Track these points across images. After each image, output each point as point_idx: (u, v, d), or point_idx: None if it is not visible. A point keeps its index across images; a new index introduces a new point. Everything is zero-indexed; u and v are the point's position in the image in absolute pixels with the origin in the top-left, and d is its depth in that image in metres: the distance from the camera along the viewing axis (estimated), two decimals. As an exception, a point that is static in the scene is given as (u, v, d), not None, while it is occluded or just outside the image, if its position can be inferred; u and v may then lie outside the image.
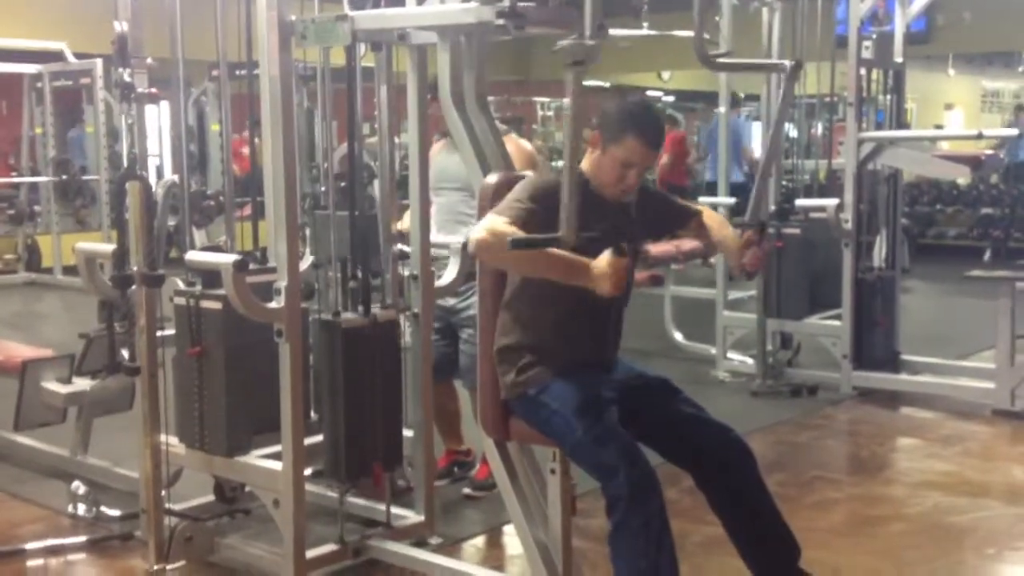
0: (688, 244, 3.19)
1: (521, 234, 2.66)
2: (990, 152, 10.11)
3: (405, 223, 3.90)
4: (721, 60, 3.26)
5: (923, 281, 9.98)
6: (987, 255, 11.49)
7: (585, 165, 2.97)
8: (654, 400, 2.99)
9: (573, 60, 2.50)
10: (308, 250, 4.10)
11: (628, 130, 2.86)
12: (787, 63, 3.05)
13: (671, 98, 18.47)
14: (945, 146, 11.68)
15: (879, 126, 6.44)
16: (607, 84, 17.89)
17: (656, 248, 6.13)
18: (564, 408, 2.82)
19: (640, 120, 2.89)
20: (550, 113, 16.42)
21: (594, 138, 2.95)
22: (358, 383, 3.50)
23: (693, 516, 3.47)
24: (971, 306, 7.74)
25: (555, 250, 2.66)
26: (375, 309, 3.61)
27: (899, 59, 6.23)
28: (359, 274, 3.60)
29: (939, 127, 18.73)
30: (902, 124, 6.52)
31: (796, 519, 3.11)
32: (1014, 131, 11.55)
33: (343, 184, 3.85)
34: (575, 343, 2.95)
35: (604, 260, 2.67)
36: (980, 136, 6.94)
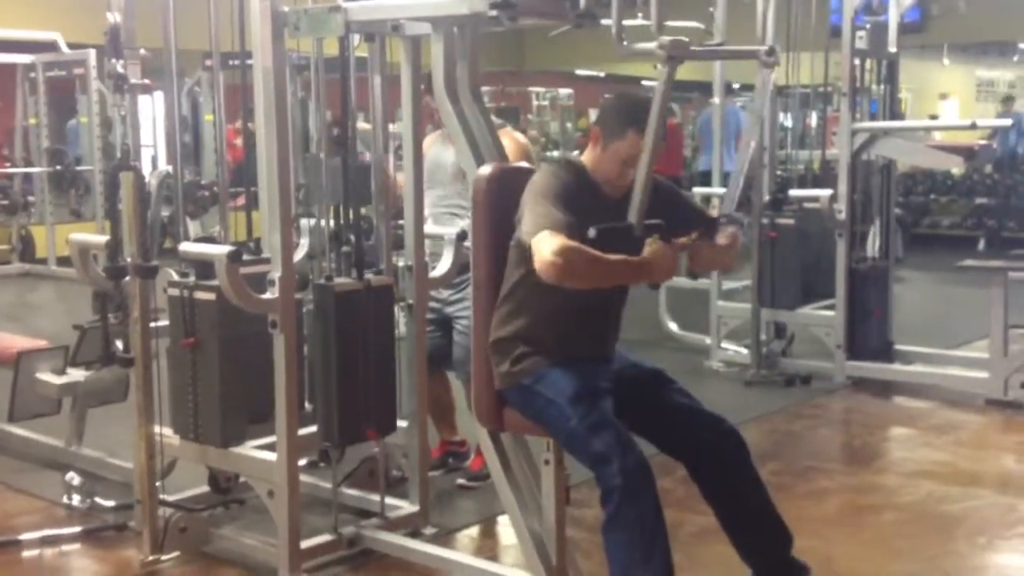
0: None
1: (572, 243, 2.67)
2: (983, 142, 10.11)
3: (401, 179, 3.89)
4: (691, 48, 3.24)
5: (917, 271, 9.99)
6: (981, 245, 11.51)
7: (585, 158, 2.98)
8: (648, 390, 2.99)
9: (670, 55, 2.53)
10: (302, 240, 4.10)
11: (630, 126, 2.85)
12: (761, 48, 3.03)
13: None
14: (938, 136, 11.67)
15: (873, 116, 6.44)
16: (602, 74, 17.88)
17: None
18: (559, 397, 2.82)
19: (642, 116, 2.84)
20: (545, 103, 16.40)
21: (595, 133, 2.94)
22: (352, 347, 3.49)
23: (687, 506, 3.48)
24: (965, 296, 7.75)
25: (613, 256, 2.67)
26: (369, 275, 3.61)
27: (893, 49, 6.22)
28: (352, 239, 3.59)
29: (934, 117, 18.74)
30: (896, 114, 6.52)
31: (789, 508, 3.12)
32: (1007, 121, 11.56)
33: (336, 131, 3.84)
34: (574, 339, 2.94)
35: (656, 250, 2.70)
36: (974, 126, 6.95)
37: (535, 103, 16.35)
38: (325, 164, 3.74)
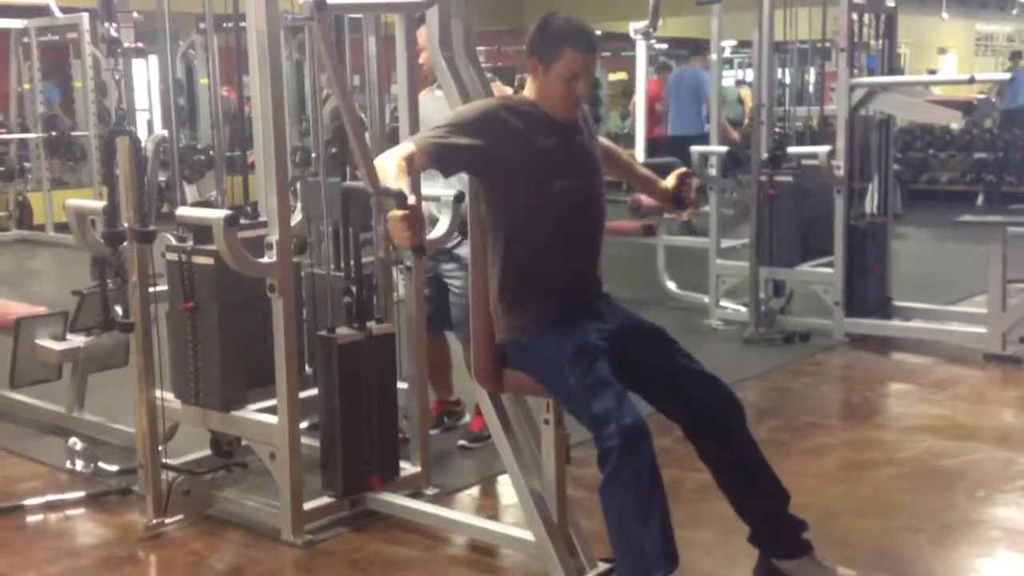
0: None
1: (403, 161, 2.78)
2: (982, 96, 9.96)
3: None
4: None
5: (915, 227, 9.99)
6: (980, 200, 11.48)
7: (529, 93, 2.99)
8: (648, 350, 2.99)
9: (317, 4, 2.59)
10: (299, 204, 4.10)
11: (562, 43, 2.88)
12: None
13: (663, 45, 18.35)
14: (937, 91, 11.60)
15: (871, 72, 6.41)
16: (598, 32, 17.74)
17: (647, 199, 6.14)
18: (557, 356, 2.83)
19: (570, 30, 2.90)
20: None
21: (532, 64, 2.95)
22: (354, 397, 3.52)
23: (687, 464, 3.49)
24: (963, 251, 7.75)
25: (393, 184, 2.69)
26: (371, 324, 3.62)
27: (891, 3, 6.18)
28: (353, 289, 3.60)
29: (933, 72, 18.62)
30: (894, 69, 6.48)
31: (788, 464, 3.14)
32: (1006, 75, 11.48)
33: (334, 151, 3.85)
34: (556, 284, 2.95)
35: (392, 216, 2.67)
36: (972, 80, 6.90)
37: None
38: (324, 185, 3.72)
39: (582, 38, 2.90)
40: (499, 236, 2.95)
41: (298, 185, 4.09)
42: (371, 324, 3.62)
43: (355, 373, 3.52)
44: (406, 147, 2.85)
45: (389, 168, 2.75)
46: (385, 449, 3.63)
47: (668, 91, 10.68)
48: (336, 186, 3.67)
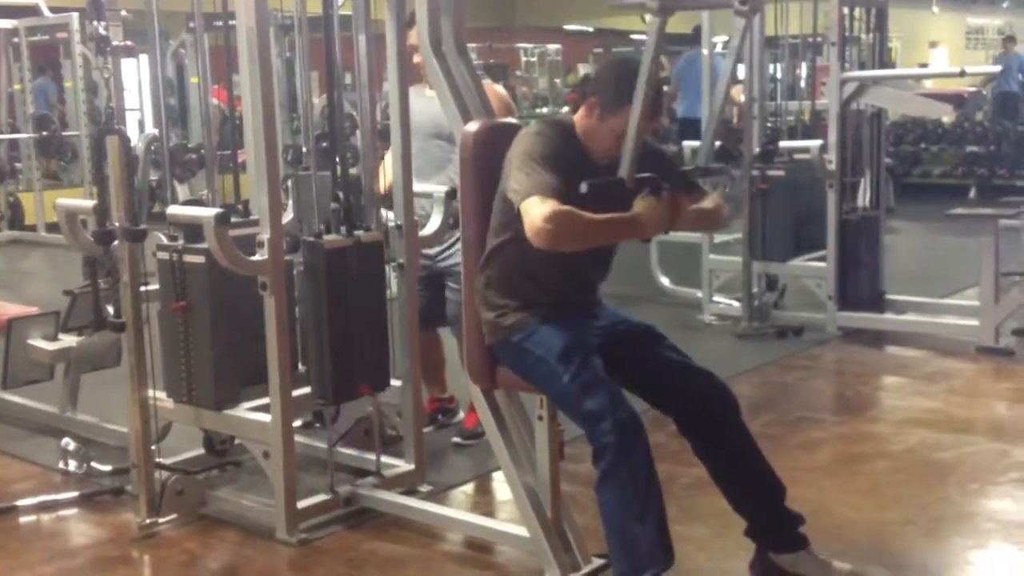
0: None
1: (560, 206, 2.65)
2: (973, 89, 10.01)
3: (389, 172, 3.87)
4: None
5: (908, 221, 9.99)
6: (972, 193, 11.50)
7: (577, 122, 2.93)
8: (638, 347, 3.00)
9: (662, 6, 2.53)
10: (291, 203, 4.09)
11: (629, 100, 2.76)
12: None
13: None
14: (929, 84, 11.62)
15: (862, 66, 6.41)
16: (590, 29, 17.77)
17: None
18: (548, 355, 2.82)
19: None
20: (533, 59, 16.32)
21: (591, 103, 2.89)
22: (342, 304, 3.48)
23: (681, 459, 3.49)
24: (955, 244, 7.76)
25: (602, 216, 2.67)
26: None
27: (882, -3, 6.19)
28: (340, 196, 3.57)
29: (924, 65, 18.66)
30: (885, 63, 6.49)
31: (782, 459, 3.14)
32: (996, 67, 11.51)
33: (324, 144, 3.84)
34: (562, 290, 2.94)
35: (647, 205, 2.69)
36: (963, 74, 6.92)
37: (523, 59, 16.27)
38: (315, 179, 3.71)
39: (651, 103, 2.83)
40: (502, 239, 2.91)
41: (289, 183, 4.08)
42: (359, 232, 3.58)
43: (343, 278, 3.48)
44: (547, 202, 2.66)
45: (576, 218, 2.66)
46: (375, 358, 3.60)
47: (679, 75, 10.85)
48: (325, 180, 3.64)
